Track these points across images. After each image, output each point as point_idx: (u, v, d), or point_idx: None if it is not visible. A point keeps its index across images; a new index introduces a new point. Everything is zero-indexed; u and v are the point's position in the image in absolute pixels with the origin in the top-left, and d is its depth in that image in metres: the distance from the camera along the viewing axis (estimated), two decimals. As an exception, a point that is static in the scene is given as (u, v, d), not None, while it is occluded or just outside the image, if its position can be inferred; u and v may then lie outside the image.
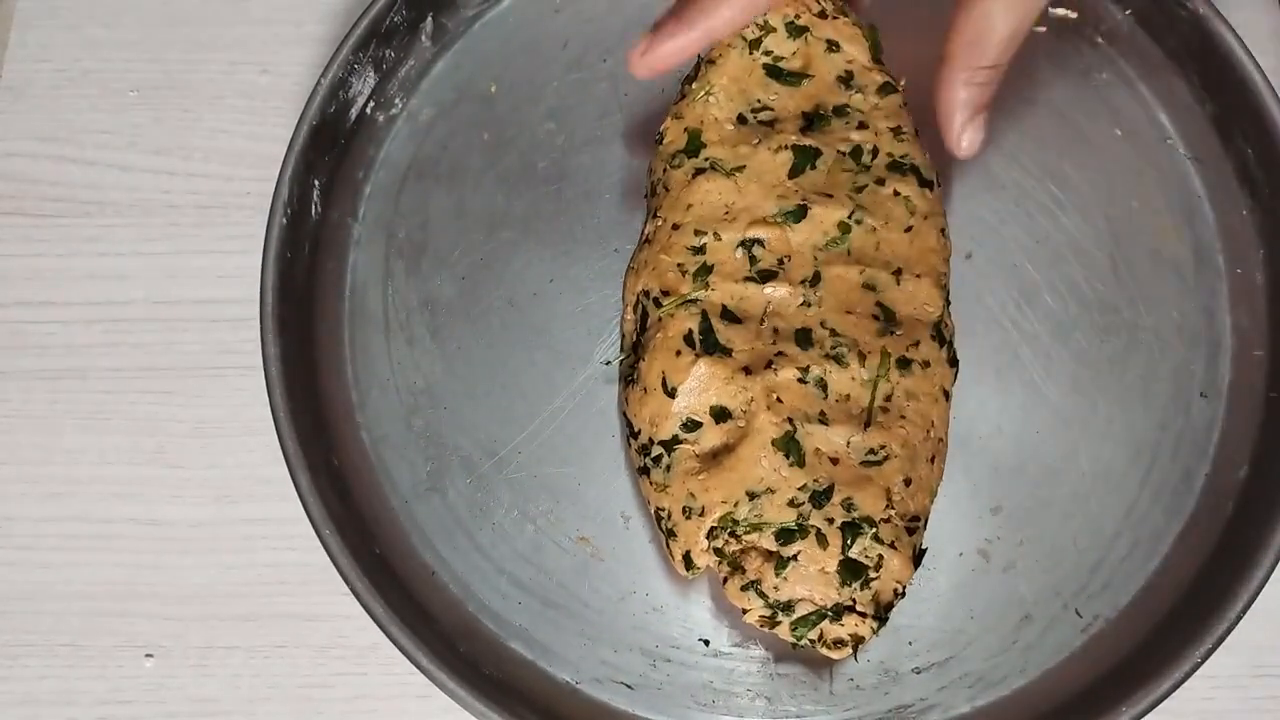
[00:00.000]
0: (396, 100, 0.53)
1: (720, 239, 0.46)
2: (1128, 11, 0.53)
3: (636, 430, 0.45)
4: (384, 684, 0.49)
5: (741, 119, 0.47)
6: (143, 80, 0.56)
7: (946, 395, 0.46)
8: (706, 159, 0.47)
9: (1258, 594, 0.44)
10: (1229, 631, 0.44)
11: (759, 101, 0.48)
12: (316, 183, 0.51)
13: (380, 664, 0.49)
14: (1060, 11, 0.54)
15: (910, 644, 0.47)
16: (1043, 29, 0.54)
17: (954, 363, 0.46)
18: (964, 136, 0.45)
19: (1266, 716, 0.48)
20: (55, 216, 0.54)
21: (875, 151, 0.47)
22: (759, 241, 0.46)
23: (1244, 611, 0.44)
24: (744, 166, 0.46)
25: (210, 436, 0.52)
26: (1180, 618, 0.45)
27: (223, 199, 0.54)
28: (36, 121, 0.56)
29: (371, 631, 0.45)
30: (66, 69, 0.56)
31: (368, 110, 0.53)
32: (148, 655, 0.49)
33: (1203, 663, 0.43)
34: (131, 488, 0.51)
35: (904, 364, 0.45)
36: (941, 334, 0.46)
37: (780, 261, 0.45)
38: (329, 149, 0.51)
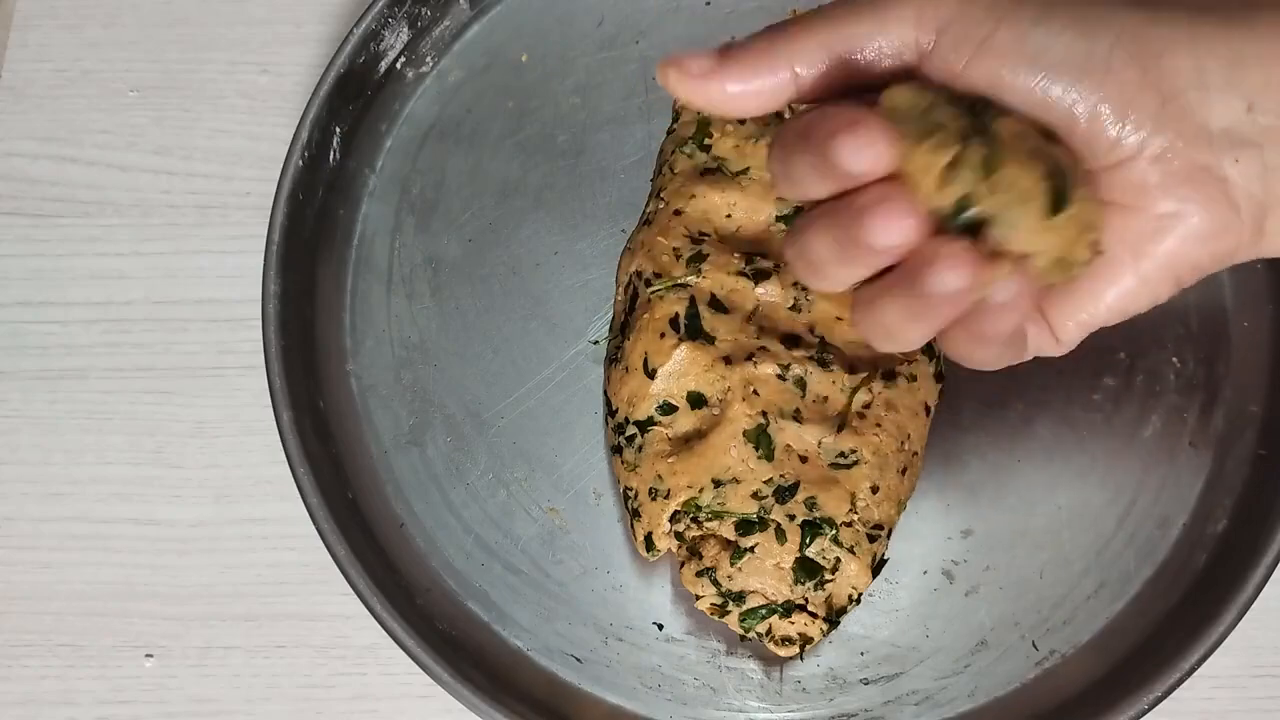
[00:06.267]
0: (428, 59, 0.54)
1: (718, 237, 0.46)
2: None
3: (614, 409, 0.46)
4: (384, 684, 0.49)
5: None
6: (143, 80, 0.56)
7: (928, 410, 0.45)
8: (715, 158, 0.47)
9: (1216, 647, 0.43)
10: (1183, 680, 0.43)
11: None
12: (338, 129, 0.51)
13: (380, 664, 0.49)
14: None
15: (862, 654, 0.46)
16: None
17: (940, 378, 0.46)
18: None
19: (1266, 716, 0.48)
20: (55, 216, 0.54)
21: None
22: (757, 243, 0.46)
23: (1199, 663, 0.43)
24: (748, 169, 0.47)
25: (210, 436, 0.52)
26: (1136, 663, 0.45)
27: (223, 199, 0.54)
28: (36, 121, 0.56)
29: (371, 632, 0.45)
30: (66, 69, 0.56)
31: (398, 65, 0.53)
32: (147, 655, 0.49)
33: (1150, 709, 0.43)
34: (131, 488, 0.51)
35: (890, 375, 0.44)
36: (931, 348, 0.46)
37: (776, 266, 0.45)
38: (354, 99, 0.52)
